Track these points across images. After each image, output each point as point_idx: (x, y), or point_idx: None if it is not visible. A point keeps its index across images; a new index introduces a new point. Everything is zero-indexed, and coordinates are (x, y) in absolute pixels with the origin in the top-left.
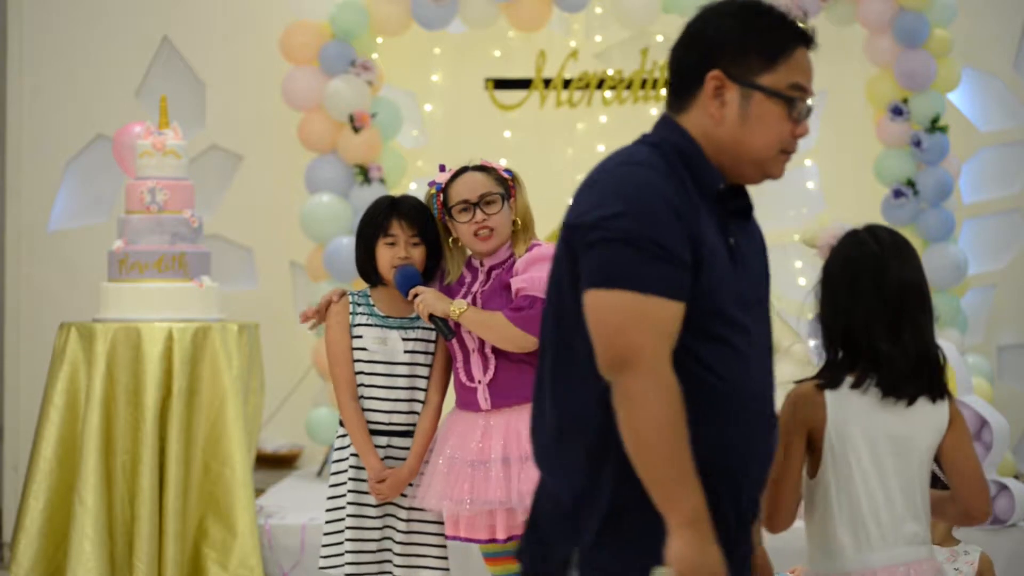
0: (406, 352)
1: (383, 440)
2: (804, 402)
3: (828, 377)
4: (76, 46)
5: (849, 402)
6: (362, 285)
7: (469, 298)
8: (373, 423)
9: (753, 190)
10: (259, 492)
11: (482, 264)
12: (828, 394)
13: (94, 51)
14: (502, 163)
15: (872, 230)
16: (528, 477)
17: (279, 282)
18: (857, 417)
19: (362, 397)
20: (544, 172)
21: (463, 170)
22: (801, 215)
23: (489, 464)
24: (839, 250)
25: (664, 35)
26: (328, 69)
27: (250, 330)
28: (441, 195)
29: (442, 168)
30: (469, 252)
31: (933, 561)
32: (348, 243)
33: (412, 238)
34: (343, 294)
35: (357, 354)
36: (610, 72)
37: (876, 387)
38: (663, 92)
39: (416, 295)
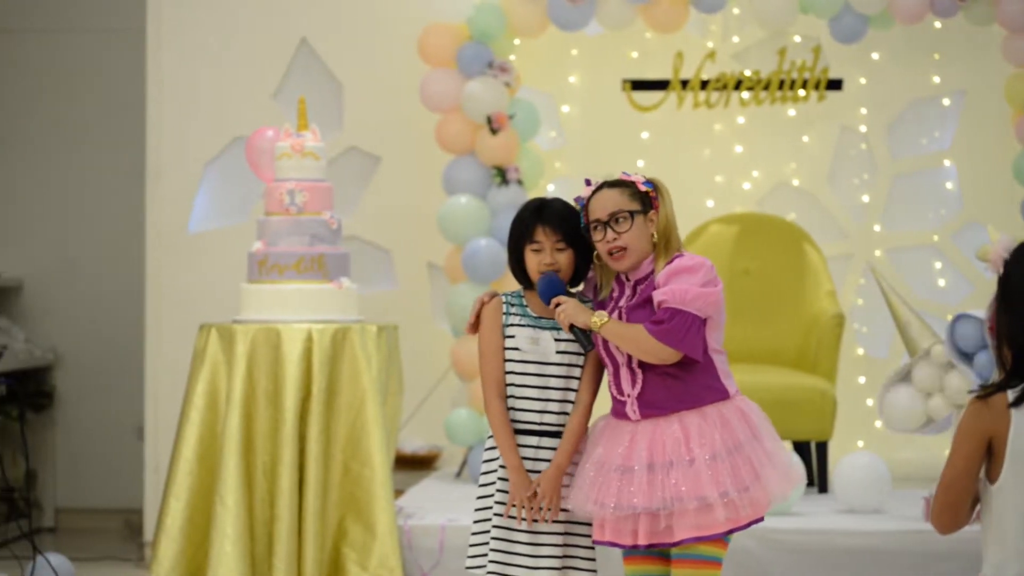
0: (558, 353)
1: (533, 440)
2: (989, 410)
3: (1020, 392)
4: (214, 49)
5: None
6: (506, 285)
7: (616, 313)
8: (525, 423)
9: (890, 192)
10: (398, 493)
11: (628, 279)
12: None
13: (232, 53)
14: (640, 173)
15: None
16: (671, 484)
17: (417, 283)
18: None
19: (514, 397)
20: (681, 173)
21: (601, 186)
22: (939, 216)
23: (634, 469)
24: (1015, 262)
25: (801, 36)
26: (465, 71)
27: (389, 331)
28: (585, 211)
29: (587, 182)
30: None
31: None
32: (486, 244)
33: (557, 243)
34: (495, 295)
35: (509, 354)
36: (747, 73)
37: None
38: (800, 92)
39: (558, 304)
